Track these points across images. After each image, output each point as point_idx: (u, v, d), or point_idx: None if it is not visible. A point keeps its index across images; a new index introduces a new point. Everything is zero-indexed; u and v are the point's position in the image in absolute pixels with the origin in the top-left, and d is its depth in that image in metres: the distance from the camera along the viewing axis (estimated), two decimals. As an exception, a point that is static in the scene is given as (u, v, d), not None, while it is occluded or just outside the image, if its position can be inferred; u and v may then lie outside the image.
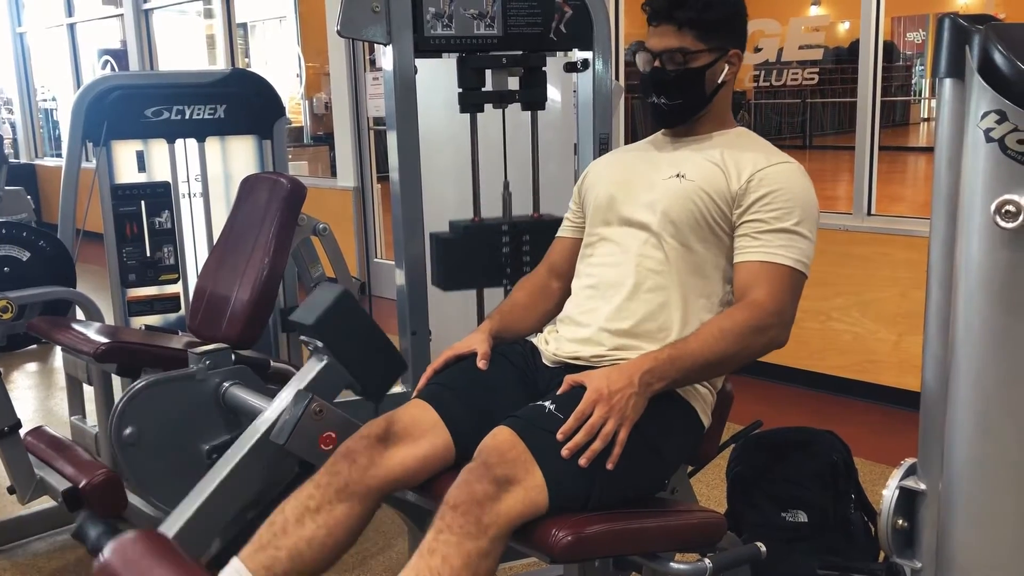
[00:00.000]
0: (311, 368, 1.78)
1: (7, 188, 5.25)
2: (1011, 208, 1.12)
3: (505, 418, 1.53)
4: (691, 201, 1.69)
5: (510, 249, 2.28)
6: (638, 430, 1.53)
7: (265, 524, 1.54)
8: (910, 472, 1.36)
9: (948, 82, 1.23)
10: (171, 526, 1.71)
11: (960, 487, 1.25)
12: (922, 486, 1.33)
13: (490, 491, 1.39)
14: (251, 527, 1.57)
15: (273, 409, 1.78)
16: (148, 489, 2.02)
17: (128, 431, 1.95)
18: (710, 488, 2.82)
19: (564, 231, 1.97)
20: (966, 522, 1.25)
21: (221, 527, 1.77)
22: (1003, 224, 1.13)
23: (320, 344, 1.81)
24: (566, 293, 1.86)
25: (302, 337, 1.84)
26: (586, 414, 1.49)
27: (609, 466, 1.48)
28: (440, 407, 1.64)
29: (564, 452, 1.46)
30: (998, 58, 1.13)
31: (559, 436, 1.47)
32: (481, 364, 1.74)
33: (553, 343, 1.77)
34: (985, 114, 1.14)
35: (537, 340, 1.82)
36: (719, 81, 1.76)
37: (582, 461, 1.46)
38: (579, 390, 1.54)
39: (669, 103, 1.77)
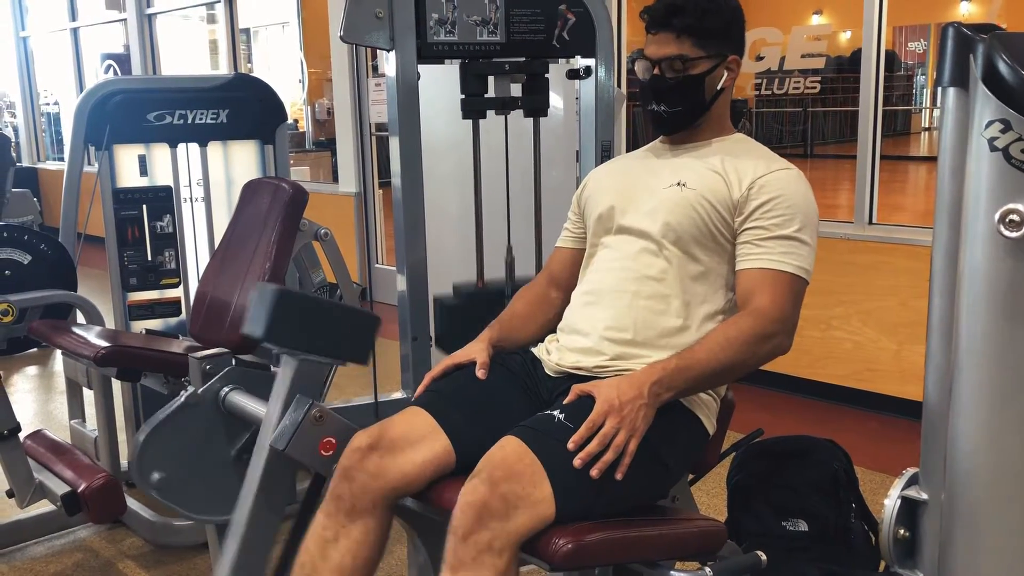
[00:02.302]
0: (286, 374, 1.75)
1: (13, 190, 5.27)
2: (1015, 217, 1.12)
3: (512, 428, 1.52)
4: (693, 209, 1.69)
5: None
6: (644, 440, 1.53)
7: (296, 567, 1.59)
8: (912, 482, 1.36)
9: (952, 91, 1.23)
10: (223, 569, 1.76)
11: (963, 497, 1.25)
12: (924, 496, 1.33)
13: (498, 511, 1.39)
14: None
15: (267, 421, 1.77)
16: (192, 509, 2.02)
17: (155, 477, 1.95)
18: (710, 496, 2.81)
19: (563, 241, 1.96)
20: (969, 532, 1.25)
21: (271, 547, 1.80)
22: (1007, 233, 1.13)
23: (277, 350, 1.76)
24: (566, 303, 1.86)
25: (264, 346, 1.81)
26: (598, 424, 1.49)
27: (618, 476, 1.47)
28: (436, 413, 1.64)
29: (576, 462, 1.45)
30: (1002, 67, 1.13)
31: (570, 446, 1.47)
32: (480, 373, 1.73)
33: (555, 353, 1.76)
34: (989, 123, 1.15)
35: (537, 350, 1.82)
36: (718, 87, 1.77)
37: (594, 472, 1.45)
38: (587, 400, 1.53)
39: (669, 110, 1.77)
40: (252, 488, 1.77)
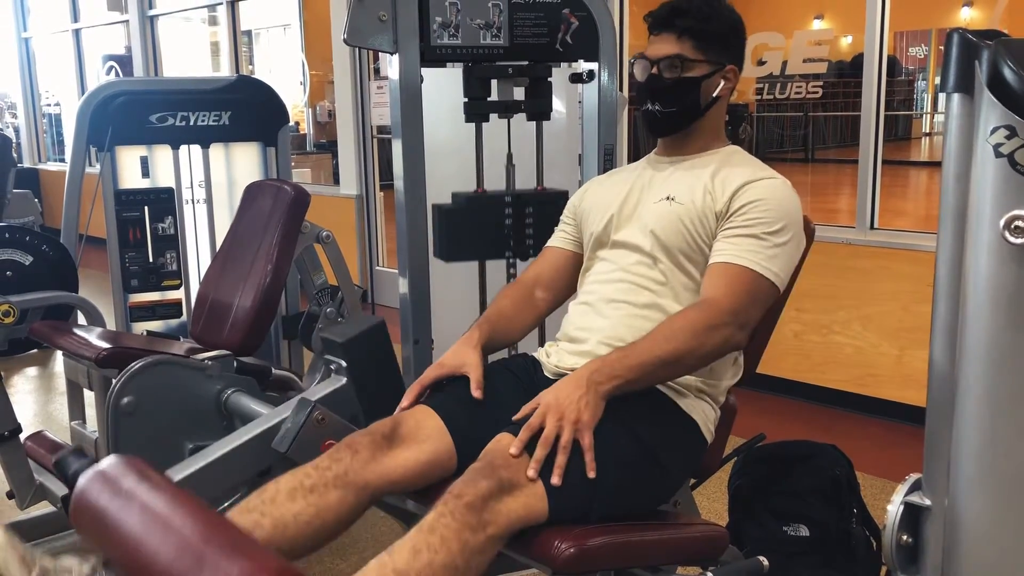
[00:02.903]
0: (330, 384, 1.80)
1: (15, 191, 5.27)
2: (1020, 224, 1.12)
3: (507, 426, 1.53)
4: (680, 223, 1.70)
5: (512, 221, 2.27)
6: (639, 443, 1.53)
7: (256, 491, 1.52)
8: (915, 487, 1.36)
9: (956, 97, 1.23)
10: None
11: (966, 503, 1.25)
12: (927, 502, 1.33)
13: (493, 489, 1.38)
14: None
15: (281, 412, 1.79)
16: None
17: (126, 400, 1.95)
18: (712, 501, 2.81)
19: (555, 241, 1.97)
20: (973, 539, 1.25)
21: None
22: (1012, 240, 1.13)
23: (343, 364, 1.84)
24: (549, 304, 1.89)
25: (326, 356, 1.87)
26: (536, 427, 1.48)
27: (590, 474, 1.46)
28: (446, 416, 1.64)
29: (529, 472, 1.44)
30: (1008, 73, 1.13)
31: (512, 451, 1.46)
32: (476, 393, 1.67)
33: (555, 356, 1.77)
34: (994, 129, 1.14)
35: (538, 353, 1.83)
36: (714, 95, 1.77)
37: (554, 479, 1.44)
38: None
39: (663, 110, 1.77)
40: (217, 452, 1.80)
